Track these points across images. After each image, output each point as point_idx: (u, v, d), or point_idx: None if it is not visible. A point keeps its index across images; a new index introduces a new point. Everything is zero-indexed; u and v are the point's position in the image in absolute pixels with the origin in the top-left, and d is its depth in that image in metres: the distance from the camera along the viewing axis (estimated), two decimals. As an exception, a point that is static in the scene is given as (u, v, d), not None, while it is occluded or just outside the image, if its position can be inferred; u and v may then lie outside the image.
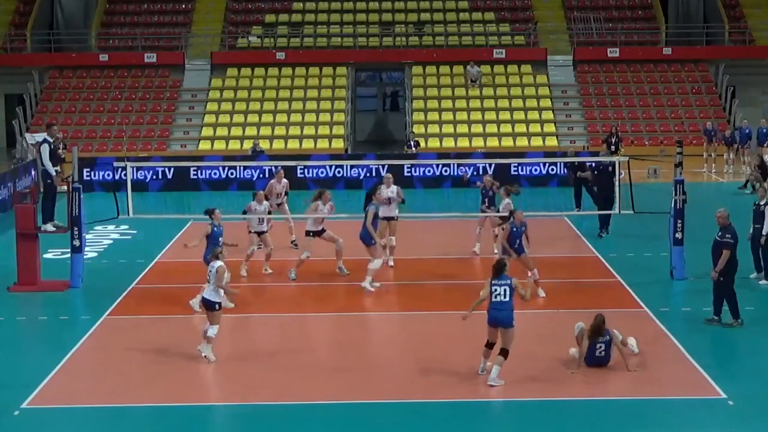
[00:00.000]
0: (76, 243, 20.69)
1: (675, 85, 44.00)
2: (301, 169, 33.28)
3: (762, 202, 20.32)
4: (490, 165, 32.46)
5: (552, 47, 45.21)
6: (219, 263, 16.06)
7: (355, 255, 20.99)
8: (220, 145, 40.46)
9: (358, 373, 15.58)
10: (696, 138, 39.48)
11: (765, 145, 35.57)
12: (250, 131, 41.04)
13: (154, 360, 16.22)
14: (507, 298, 14.79)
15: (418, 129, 40.62)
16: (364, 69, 46.96)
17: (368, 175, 33.30)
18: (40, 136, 26.19)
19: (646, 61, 44.57)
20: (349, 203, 27.13)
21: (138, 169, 32.26)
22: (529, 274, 19.56)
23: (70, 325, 18.52)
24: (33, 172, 31.47)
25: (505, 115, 42.16)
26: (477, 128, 41.43)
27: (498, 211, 22.13)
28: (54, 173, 21.18)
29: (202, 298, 16.26)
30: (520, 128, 41.55)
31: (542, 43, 45.44)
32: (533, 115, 42.25)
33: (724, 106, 42.97)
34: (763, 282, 20.48)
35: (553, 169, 33.80)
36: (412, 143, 36.70)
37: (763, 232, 20.09)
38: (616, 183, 23.31)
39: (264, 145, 38.06)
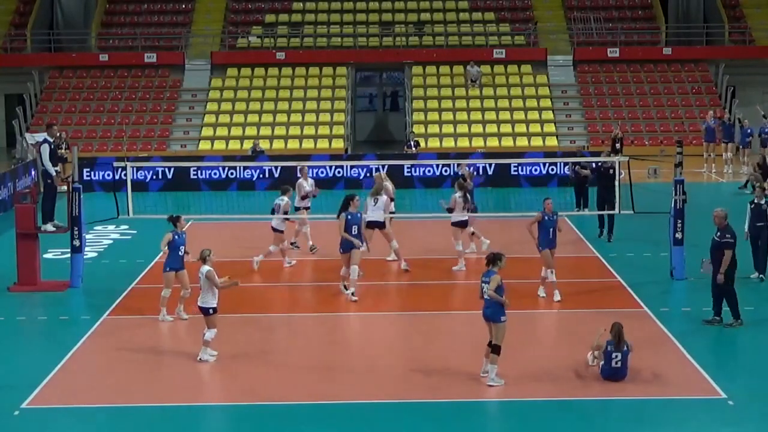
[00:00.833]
0: (76, 243, 20.70)
1: (675, 85, 43.96)
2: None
3: (762, 201, 20.33)
4: (490, 165, 32.44)
5: (552, 47, 45.15)
6: (207, 268, 15.92)
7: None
8: (220, 145, 40.41)
9: (358, 372, 15.58)
10: (696, 138, 39.38)
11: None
12: (250, 131, 40.99)
13: (154, 360, 16.24)
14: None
15: (418, 129, 40.57)
16: (364, 69, 46.95)
17: (368, 175, 33.17)
18: (40, 136, 26.21)
19: (646, 61, 44.51)
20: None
21: (138, 169, 32.23)
22: (543, 272, 19.16)
23: (70, 325, 18.50)
24: (33, 172, 31.46)
25: (505, 115, 42.11)
26: (477, 128, 41.37)
27: (475, 205, 21.99)
28: (54, 173, 21.19)
29: (198, 306, 16.12)
30: (520, 128, 41.50)
31: (542, 43, 45.39)
32: (533, 115, 42.19)
33: (724, 106, 42.91)
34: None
35: (553, 169, 33.77)
36: (412, 143, 36.65)
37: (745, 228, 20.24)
38: (616, 185, 23.21)
39: (264, 145, 38.03)
